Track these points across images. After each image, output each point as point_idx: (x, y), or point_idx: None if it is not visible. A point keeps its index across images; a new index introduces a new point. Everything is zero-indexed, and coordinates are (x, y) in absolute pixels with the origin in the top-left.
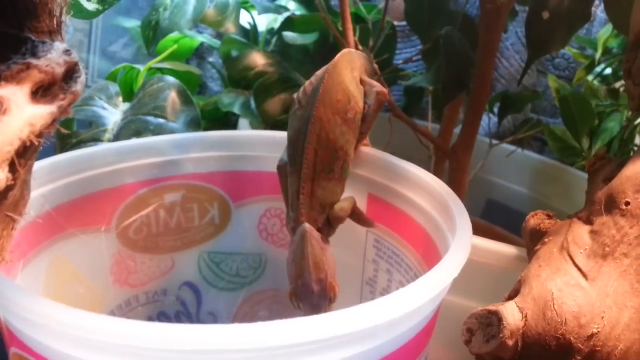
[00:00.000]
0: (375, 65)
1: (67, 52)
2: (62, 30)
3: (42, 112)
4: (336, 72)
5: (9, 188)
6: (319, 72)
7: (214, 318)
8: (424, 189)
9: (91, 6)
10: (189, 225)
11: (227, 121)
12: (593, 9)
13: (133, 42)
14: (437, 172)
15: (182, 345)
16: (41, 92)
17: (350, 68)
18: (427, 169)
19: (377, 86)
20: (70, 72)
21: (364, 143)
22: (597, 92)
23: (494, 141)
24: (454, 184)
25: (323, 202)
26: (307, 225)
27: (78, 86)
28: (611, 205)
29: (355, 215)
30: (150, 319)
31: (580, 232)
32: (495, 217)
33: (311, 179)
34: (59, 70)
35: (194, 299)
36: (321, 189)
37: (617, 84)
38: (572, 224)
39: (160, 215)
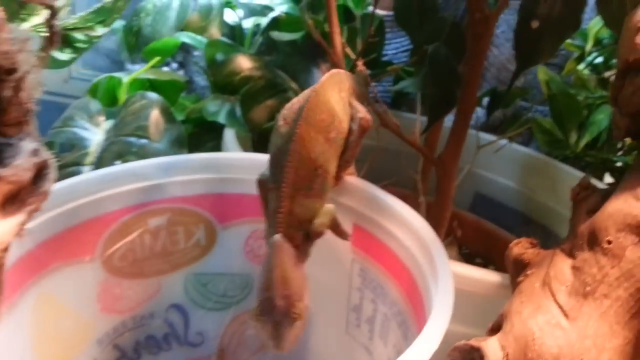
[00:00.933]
0: (364, 67)
1: (35, 151)
2: (31, 119)
3: (10, 226)
4: (322, 90)
5: None
6: (307, 92)
7: (202, 338)
8: (407, 227)
9: (65, 56)
10: (174, 248)
11: (213, 126)
12: None
13: (115, 32)
14: (425, 171)
15: None
16: (9, 202)
17: (338, 89)
18: (416, 165)
19: (362, 112)
20: (40, 171)
21: (349, 172)
22: (587, 82)
23: (481, 135)
24: (441, 191)
25: (301, 219)
26: (278, 237)
27: (48, 185)
28: (593, 241)
29: (333, 226)
30: (138, 343)
31: (562, 267)
32: (483, 211)
33: (290, 197)
34: (27, 176)
35: (182, 320)
36: (300, 206)
37: (607, 74)
38: (554, 257)
39: (145, 240)
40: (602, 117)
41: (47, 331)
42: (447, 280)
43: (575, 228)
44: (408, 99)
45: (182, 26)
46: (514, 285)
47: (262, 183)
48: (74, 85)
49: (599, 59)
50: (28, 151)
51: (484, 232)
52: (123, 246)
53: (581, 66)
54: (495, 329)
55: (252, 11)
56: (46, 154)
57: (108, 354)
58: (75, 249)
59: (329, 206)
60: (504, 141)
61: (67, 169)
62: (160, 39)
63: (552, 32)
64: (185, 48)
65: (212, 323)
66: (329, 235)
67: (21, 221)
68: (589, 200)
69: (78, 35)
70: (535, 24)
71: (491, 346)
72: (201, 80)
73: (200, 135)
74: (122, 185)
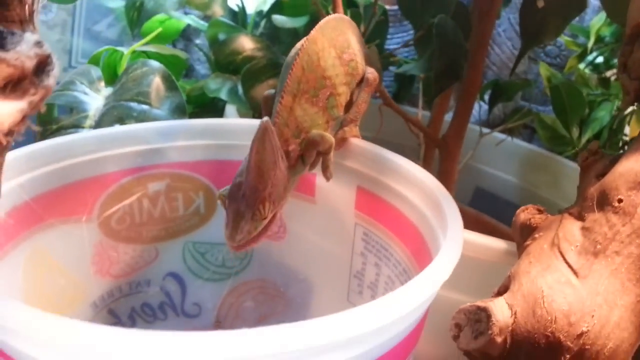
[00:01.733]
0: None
1: (38, 44)
2: (35, 19)
3: (11, 109)
4: (341, 19)
5: None
6: None
7: (199, 309)
8: (415, 184)
9: None
10: (173, 215)
11: (214, 106)
12: None
13: (118, 22)
14: (427, 160)
15: (157, 354)
16: (10, 87)
17: (357, 36)
18: (417, 156)
19: (370, 70)
20: (42, 65)
21: (354, 135)
22: (588, 81)
23: (484, 130)
24: (444, 173)
25: (300, 125)
26: (267, 120)
27: (50, 80)
28: (603, 201)
29: (325, 156)
30: (133, 310)
31: (571, 228)
32: (483, 205)
33: (293, 94)
34: (30, 63)
35: (179, 289)
36: (301, 109)
37: (608, 73)
38: (563, 220)
39: (143, 205)
40: (604, 114)
41: (39, 287)
42: (456, 222)
43: (584, 192)
44: (410, 93)
45: (186, 1)
46: (521, 249)
47: (267, 97)
48: None
49: (600, 59)
50: (31, 41)
51: (484, 227)
52: (121, 209)
53: (581, 66)
54: (501, 293)
55: None
56: (49, 50)
57: (102, 318)
58: (72, 207)
59: (330, 136)
60: (505, 134)
61: (66, 131)
62: (163, 13)
63: (558, 12)
64: (186, 35)
65: (209, 294)
66: (331, 200)
67: (22, 108)
68: (597, 165)
69: None
70: (541, 3)
71: (498, 305)
72: (202, 69)
73: (201, 116)
74: (121, 147)
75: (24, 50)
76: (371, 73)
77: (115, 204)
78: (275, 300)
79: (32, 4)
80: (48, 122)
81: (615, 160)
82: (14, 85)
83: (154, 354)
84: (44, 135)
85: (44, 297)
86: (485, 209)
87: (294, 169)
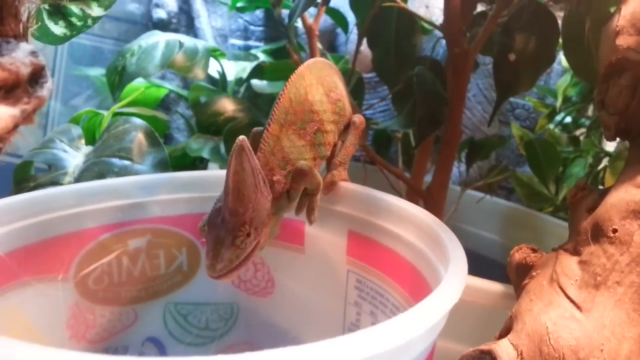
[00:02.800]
0: None
1: (33, 53)
2: (28, 36)
3: (2, 114)
4: (328, 63)
5: None
6: None
7: None
8: (409, 221)
9: (59, 30)
10: (154, 274)
11: (195, 169)
12: None
13: (97, 95)
14: None
15: None
16: (3, 93)
17: (342, 79)
18: None
19: (357, 114)
20: (36, 76)
21: (342, 178)
22: (559, 139)
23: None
24: None
25: (286, 156)
26: (243, 139)
27: (44, 92)
28: (598, 234)
29: (312, 197)
30: None
31: (568, 263)
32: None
33: (280, 124)
34: (25, 70)
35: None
36: (288, 139)
37: (578, 132)
38: (559, 256)
39: (123, 263)
40: (578, 170)
41: None
42: (458, 250)
43: (577, 227)
44: (388, 156)
45: (167, 64)
46: (519, 290)
47: (255, 133)
48: None
49: (568, 119)
50: (27, 50)
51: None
52: (99, 267)
53: (551, 126)
54: (503, 335)
55: (237, 56)
56: (44, 61)
57: None
58: (48, 264)
59: (319, 175)
60: (484, 193)
61: (44, 188)
62: (144, 77)
63: (529, 65)
64: (165, 105)
65: None
66: (321, 248)
67: (14, 115)
68: (587, 200)
69: (74, 8)
70: (512, 57)
71: (503, 347)
72: (181, 137)
73: None
74: (101, 202)
75: (19, 56)
76: (358, 117)
77: (93, 263)
78: None
79: (27, 20)
80: (24, 180)
81: (604, 194)
82: (8, 92)
83: None
84: (19, 193)
85: None
86: (469, 269)
87: (279, 203)
